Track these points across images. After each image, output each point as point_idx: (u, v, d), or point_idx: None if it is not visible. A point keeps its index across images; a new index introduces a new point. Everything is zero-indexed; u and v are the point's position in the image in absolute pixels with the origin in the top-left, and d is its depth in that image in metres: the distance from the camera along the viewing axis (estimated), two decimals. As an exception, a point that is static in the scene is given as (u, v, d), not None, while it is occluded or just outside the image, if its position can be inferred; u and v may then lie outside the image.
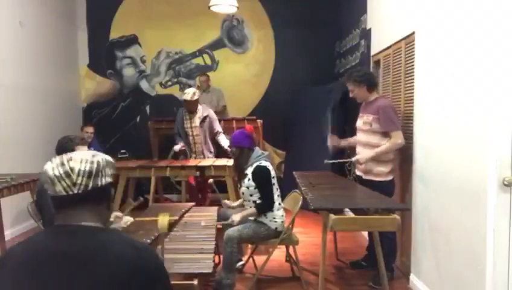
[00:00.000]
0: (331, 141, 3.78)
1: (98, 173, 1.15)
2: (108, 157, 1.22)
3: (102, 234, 1.14)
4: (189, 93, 4.56)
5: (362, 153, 3.35)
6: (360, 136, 3.43)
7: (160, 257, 1.23)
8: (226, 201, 3.57)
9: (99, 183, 1.15)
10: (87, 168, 1.13)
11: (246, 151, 3.19)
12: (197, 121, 4.70)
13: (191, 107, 4.64)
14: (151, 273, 1.11)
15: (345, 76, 3.74)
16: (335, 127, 5.41)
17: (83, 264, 1.05)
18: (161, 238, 2.18)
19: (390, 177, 3.28)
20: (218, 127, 4.82)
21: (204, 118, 4.71)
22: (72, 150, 2.66)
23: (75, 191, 1.12)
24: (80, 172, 1.12)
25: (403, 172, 3.42)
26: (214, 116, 4.83)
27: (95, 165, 1.14)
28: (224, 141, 4.68)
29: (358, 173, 3.47)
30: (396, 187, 3.38)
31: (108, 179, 1.17)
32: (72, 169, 1.12)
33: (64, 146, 2.72)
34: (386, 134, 3.21)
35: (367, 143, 3.32)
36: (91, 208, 1.15)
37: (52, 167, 1.13)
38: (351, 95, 3.46)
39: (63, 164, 1.13)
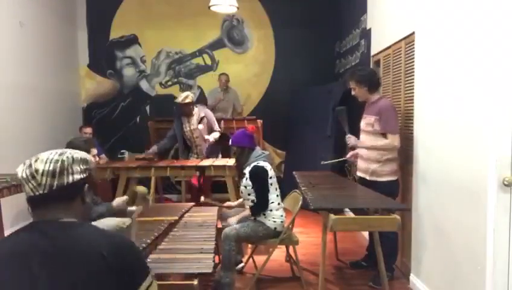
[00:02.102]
0: (350, 141, 3.48)
1: (63, 171, 1.15)
2: (80, 154, 1.21)
3: (74, 228, 1.15)
4: (181, 97, 4.63)
5: (363, 155, 3.33)
6: (363, 138, 3.40)
7: (132, 241, 1.26)
8: (227, 203, 3.57)
9: (65, 181, 1.15)
10: (50, 168, 1.14)
11: (247, 150, 3.20)
12: (194, 123, 4.72)
13: (185, 110, 4.68)
14: (125, 257, 1.13)
15: (348, 73, 3.73)
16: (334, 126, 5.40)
17: (55, 259, 1.06)
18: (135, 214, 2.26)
19: (394, 178, 3.25)
20: (216, 126, 4.86)
21: (202, 118, 4.74)
22: (88, 152, 2.66)
23: (41, 192, 1.13)
24: (43, 172, 1.13)
25: (403, 172, 3.41)
26: (211, 116, 4.87)
27: (58, 164, 1.15)
28: (212, 134, 4.75)
29: (361, 174, 3.43)
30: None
31: (77, 176, 1.17)
32: (36, 170, 1.13)
33: (79, 148, 2.70)
34: (385, 135, 3.20)
35: (370, 145, 3.29)
36: (63, 205, 1.16)
37: (22, 169, 1.15)
38: (352, 93, 3.43)
39: (30, 166, 1.15)
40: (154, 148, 4.79)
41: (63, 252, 1.08)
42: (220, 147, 4.93)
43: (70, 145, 2.73)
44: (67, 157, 1.18)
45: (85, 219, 1.24)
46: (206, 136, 4.69)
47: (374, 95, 3.33)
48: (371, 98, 3.34)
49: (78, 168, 1.18)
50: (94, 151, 2.76)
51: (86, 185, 1.21)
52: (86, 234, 1.14)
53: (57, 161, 1.15)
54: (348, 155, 3.61)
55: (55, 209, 1.15)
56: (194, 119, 4.72)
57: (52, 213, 1.15)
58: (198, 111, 4.76)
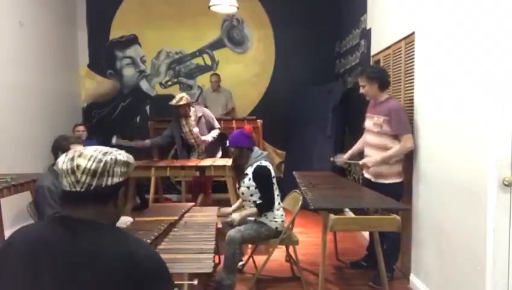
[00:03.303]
0: (339, 161, 3.81)
1: (104, 173, 1.12)
2: (123, 156, 1.18)
3: (103, 231, 1.12)
4: (176, 99, 4.62)
5: (371, 156, 3.27)
6: (369, 138, 3.34)
7: (161, 257, 1.20)
8: (223, 209, 3.54)
9: (104, 183, 1.12)
10: (92, 167, 1.11)
11: (245, 151, 3.19)
12: (193, 123, 4.72)
13: (180, 111, 4.67)
14: (150, 273, 1.10)
15: (358, 70, 3.70)
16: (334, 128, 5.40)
17: (78, 259, 1.05)
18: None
19: (399, 179, 3.21)
20: (216, 123, 4.87)
21: (200, 118, 4.73)
22: (67, 149, 2.67)
23: (78, 189, 1.11)
24: (84, 170, 1.10)
25: (403, 172, 3.41)
26: (210, 115, 4.87)
27: (101, 165, 1.12)
28: (211, 133, 4.75)
29: (367, 175, 3.39)
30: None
31: (116, 180, 1.14)
32: (78, 166, 1.11)
33: (59, 145, 2.73)
34: (396, 136, 3.13)
35: (376, 145, 3.24)
36: (94, 206, 1.13)
37: (63, 161, 1.13)
38: (361, 90, 3.34)
39: (72, 159, 1.12)
40: (147, 141, 4.84)
41: (86, 252, 1.06)
42: (219, 145, 4.93)
43: (54, 143, 2.75)
44: (110, 158, 1.14)
45: (114, 222, 1.21)
46: (203, 137, 4.68)
47: (383, 94, 3.27)
48: (379, 97, 3.26)
49: (119, 171, 1.15)
50: (77, 147, 2.75)
51: (122, 188, 1.18)
52: (114, 239, 1.11)
53: (100, 160, 1.12)
54: (363, 161, 3.34)
55: (86, 209, 1.12)
56: (192, 120, 4.72)
57: (81, 211, 1.12)
58: (195, 111, 4.76)
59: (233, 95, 6.32)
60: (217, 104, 6.05)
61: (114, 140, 4.66)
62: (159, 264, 1.15)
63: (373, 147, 3.29)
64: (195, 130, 4.67)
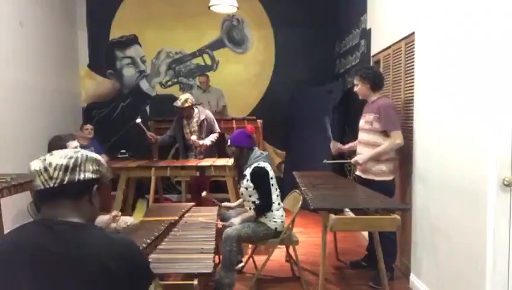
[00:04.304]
0: (333, 147, 3.81)
1: (75, 167, 1.17)
2: (93, 155, 1.24)
3: (83, 230, 1.15)
4: (181, 100, 4.59)
5: (362, 153, 3.34)
6: (361, 136, 3.42)
7: (138, 246, 1.27)
8: (225, 203, 3.56)
9: (76, 177, 1.17)
10: (63, 163, 1.16)
11: (245, 150, 3.19)
12: (195, 126, 4.71)
13: (184, 113, 4.66)
14: (131, 267, 1.13)
15: (354, 69, 3.74)
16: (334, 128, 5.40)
17: (59, 261, 1.07)
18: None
19: (390, 177, 3.27)
20: (216, 127, 4.84)
21: (202, 121, 4.71)
22: (64, 147, 2.68)
23: (51, 185, 1.14)
24: (56, 166, 1.15)
25: (402, 172, 3.42)
26: (212, 118, 4.83)
27: (72, 160, 1.17)
28: (210, 137, 4.72)
29: (359, 173, 3.46)
30: (396, 187, 3.38)
31: (89, 175, 1.19)
32: (49, 163, 1.16)
33: (56, 146, 2.74)
34: (386, 133, 3.20)
35: (367, 142, 3.31)
36: (70, 202, 1.17)
37: (36, 163, 1.18)
38: (354, 89, 3.44)
39: (44, 160, 1.17)
40: (158, 137, 4.82)
41: (69, 254, 1.08)
42: (216, 148, 4.90)
43: (49, 144, 2.76)
44: (81, 154, 1.20)
45: (92, 221, 1.25)
46: (201, 141, 4.65)
47: (375, 94, 3.34)
48: (371, 97, 3.35)
49: (91, 167, 1.20)
50: (73, 144, 2.77)
51: (96, 186, 1.22)
52: (95, 239, 1.14)
53: (71, 157, 1.18)
54: (353, 160, 3.51)
55: (62, 205, 1.16)
56: (194, 121, 4.71)
57: (59, 210, 1.16)
58: (198, 113, 4.74)
59: (233, 95, 6.32)
60: (209, 103, 6.03)
61: (139, 119, 4.68)
62: (143, 263, 1.21)
63: (365, 144, 3.35)
64: (193, 137, 4.64)
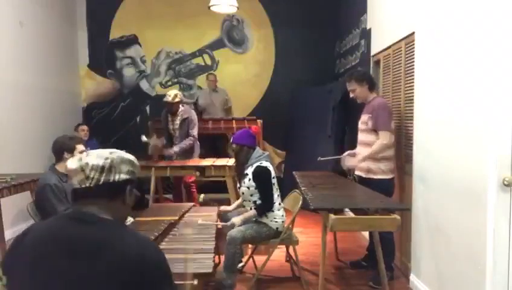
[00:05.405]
0: (348, 162, 3.49)
1: (111, 168, 1.20)
2: (128, 156, 1.27)
3: (114, 227, 1.18)
4: (171, 96, 4.63)
5: (361, 153, 3.36)
6: (359, 136, 3.46)
7: (164, 255, 1.27)
8: (223, 207, 3.55)
9: (112, 178, 1.19)
10: (100, 163, 1.19)
11: (246, 149, 3.19)
12: (177, 123, 4.74)
13: (172, 108, 4.71)
14: (154, 271, 1.14)
15: (345, 77, 3.75)
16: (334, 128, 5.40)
17: (87, 254, 1.09)
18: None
19: (390, 176, 3.28)
20: (193, 131, 4.74)
21: (184, 119, 4.73)
22: (73, 148, 2.68)
23: (87, 185, 1.18)
24: (92, 166, 1.18)
25: (403, 172, 3.42)
26: (194, 120, 4.78)
27: (108, 161, 1.20)
28: (181, 143, 4.67)
29: (358, 172, 3.47)
30: (396, 187, 3.38)
31: (123, 176, 1.22)
32: (86, 163, 1.19)
33: (64, 145, 2.73)
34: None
35: (364, 142, 3.35)
36: (104, 202, 1.19)
37: (72, 161, 1.21)
38: (351, 95, 3.48)
39: (80, 159, 1.20)
40: (163, 142, 4.86)
41: (96, 244, 1.10)
42: (192, 152, 4.85)
43: (57, 143, 2.76)
44: (117, 156, 1.23)
45: (123, 220, 1.28)
46: (169, 150, 4.68)
47: (372, 94, 3.39)
48: (369, 98, 3.38)
49: (125, 169, 1.23)
50: (81, 147, 2.77)
51: (129, 186, 1.25)
52: (125, 237, 1.16)
53: (107, 158, 1.21)
54: (345, 153, 3.64)
55: (95, 204, 1.18)
56: (178, 119, 4.75)
57: (92, 208, 1.18)
58: (182, 111, 4.76)
59: (234, 95, 6.32)
60: (217, 103, 6.05)
61: (144, 138, 4.75)
62: (165, 269, 1.21)
63: (362, 144, 3.39)
64: (175, 149, 4.66)
